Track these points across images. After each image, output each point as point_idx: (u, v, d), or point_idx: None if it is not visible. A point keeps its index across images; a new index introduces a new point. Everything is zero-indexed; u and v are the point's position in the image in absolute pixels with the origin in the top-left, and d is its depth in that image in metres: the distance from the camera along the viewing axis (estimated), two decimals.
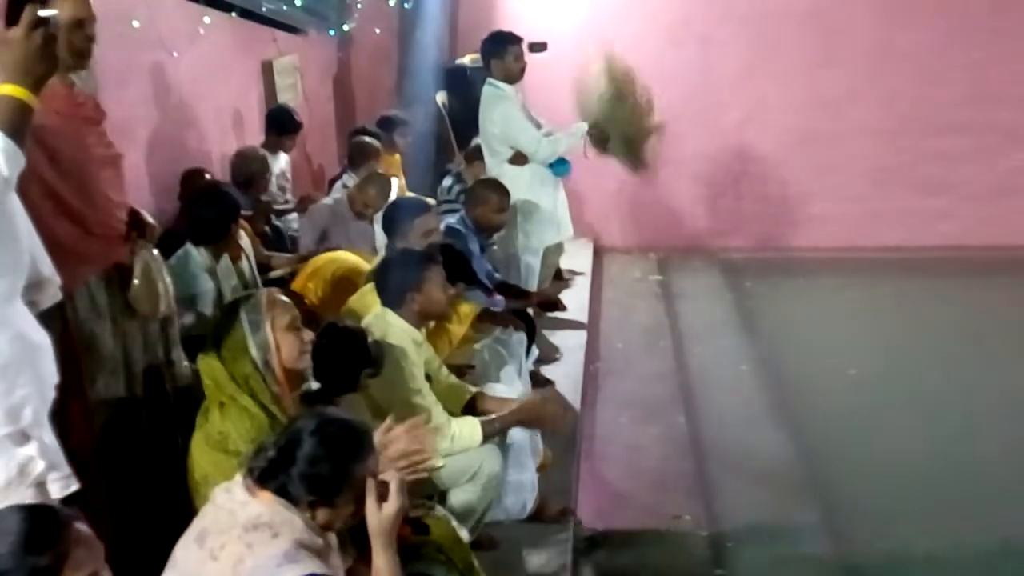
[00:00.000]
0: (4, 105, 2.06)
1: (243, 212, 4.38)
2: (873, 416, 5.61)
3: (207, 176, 4.92)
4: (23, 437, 2.18)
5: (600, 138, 5.93)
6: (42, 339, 2.29)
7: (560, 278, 7.12)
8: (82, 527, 1.75)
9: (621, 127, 5.85)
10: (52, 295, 2.42)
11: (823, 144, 8.80)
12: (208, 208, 4.00)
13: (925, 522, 4.51)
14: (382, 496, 2.10)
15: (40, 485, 2.20)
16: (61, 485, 2.24)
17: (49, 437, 2.25)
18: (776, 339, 6.90)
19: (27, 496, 2.16)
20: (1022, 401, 5.76)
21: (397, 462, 2.30)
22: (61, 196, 2.75)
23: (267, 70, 6.46)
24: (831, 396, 5.90)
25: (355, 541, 2.23)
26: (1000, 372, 6.24)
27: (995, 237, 8.67)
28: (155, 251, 3.17)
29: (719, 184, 8.97)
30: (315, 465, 2.08)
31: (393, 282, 3.52)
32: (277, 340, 2.71)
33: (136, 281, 3.03)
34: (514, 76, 5.85)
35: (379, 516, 2.09)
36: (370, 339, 3.22)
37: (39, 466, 2.19)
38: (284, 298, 2.84)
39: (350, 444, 2.14)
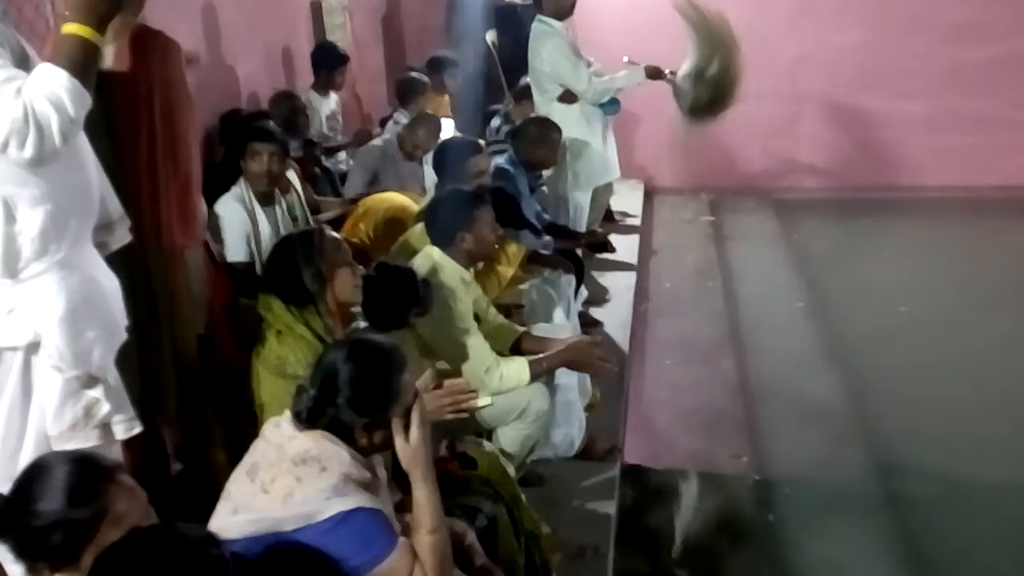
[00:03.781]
0: (70, 45, 2.06)
1: (292, 154, 4.40)
2: (925, 357, 5.55)
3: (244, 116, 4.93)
4: (90, 380, 2.23)
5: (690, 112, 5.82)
6: (111, 282, 2.34)
7: (610, 219, 7.08)
8: (125, 479, 1.76)
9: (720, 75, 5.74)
10: (121, 236, 2.44)
11: (881, 82, 8.55)
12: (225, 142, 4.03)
13: (974, 462, 4.49)
14: (406, 428, 2.12)
15: (105, 427, 2.26)
16: (125, 427, 2.31)
17: (115, 379, 2.30)
18: (828, 280, 6.82)
19: (92, 437, 2.23)
20: None
21: (442, 399, 2.33)
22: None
23: (316, 10, 6.43)
24: (883, 338, 5.83)
25: (400, 476, 2.26)
26: None
27: None
28: None
29: (773, 124, 8.77)
30: (359, 386, 2.09)
31: (443, 222, 3.53)
32: (331, 273, 2.82)
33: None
34: (564, 12, 5.75)
35: (407, 449, 2.11)
36: (419, 278, 3.24)
37: (104, 408, 2.25)
38: (336, 234, 2.95)
39: (385, 358, 2.15)
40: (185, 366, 2.88)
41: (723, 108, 5.88)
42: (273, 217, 3.80)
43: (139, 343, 2.70)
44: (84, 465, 1.76)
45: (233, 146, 3.90)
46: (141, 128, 2.64)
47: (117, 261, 2.45)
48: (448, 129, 5.98)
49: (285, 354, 2.75)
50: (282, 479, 2.02)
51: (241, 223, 3.72)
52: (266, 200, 3.82)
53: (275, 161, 3.81)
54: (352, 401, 2.09)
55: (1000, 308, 6.26)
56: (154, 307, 2.79)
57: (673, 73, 5.81)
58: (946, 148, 8.56)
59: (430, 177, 5.10)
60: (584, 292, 5.16)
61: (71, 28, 2.07)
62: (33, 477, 1.73)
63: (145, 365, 2.78)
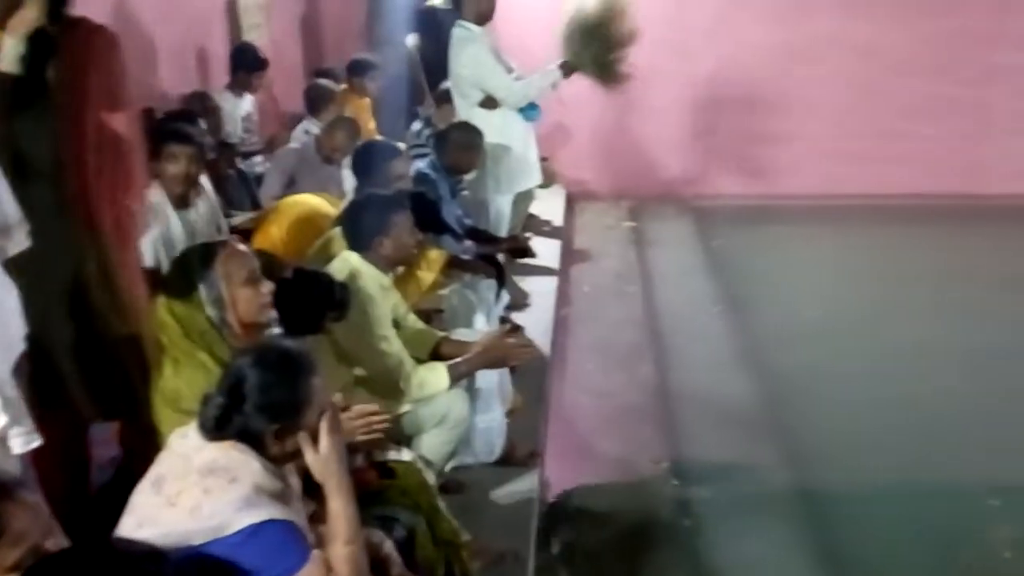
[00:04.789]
0: None
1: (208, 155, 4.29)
2: (839, 360, 5.67)
3: (157, 117, 4.80)
4: None
5: (574, 63, 5.79)
6: (9, 289, 2.23)
7: (531, 225, 7.08)
8: (24, 495, 1.69)
9: (595, 46, 5.72)
10: (19, 242, 2.32)
11: (797, 92, 8.77)
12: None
13: (887, 462, 4.60)
14: (316, 439, 2.07)
15: (1, 440, 2.16)
16: (23, 440, 2.20)
17: (11, 391, 2.20)
18: (745, 286, 6.94)
19: None
20: (984, 347, 5.83)
21: (355, 422, 2.28)
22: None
23: (232, 9, 6.31)
24: (798, 341, 5.94)
25: (316, 485, 2.20)
26: (964, 319, 6.31)
27: (968, 185, 8.70)
28: None
29: (693, 132, 8.94)
30: (267, 391, 2.04)
31: (361, 226, 3.47)
32: (233, 295, 2.60)
33: None
34: (484, 16, 5.73)
35: (318, 460, 2.05)
36: (336, 282, 3.18)
37: (1, 421, 2.15)
38: (242, 248, 2.73)
39: (293, 361, 2.10)
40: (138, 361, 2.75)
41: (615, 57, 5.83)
42: (187, 221, 3.69)
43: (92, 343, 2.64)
44: None
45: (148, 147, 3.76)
46: (86, 122, 2.57)
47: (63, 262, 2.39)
48: (367, 133, 5.93)
49: (180, 387, 2.55)
50: (189, 491, 1.95)
51: (152, 227, 3.60)
52: (181, 203, 3.70)
53: (192, 164, 3.71)
54: (261, 407, 2.03)
55: (911, 312, 6.44)
56: (101, 304, 2.69)
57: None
58: (858, 156, 8.81)
59: (348, 181, 5.04)
60: (505, 297, 5.15)
61: None
62: None
63: (100, 365, 2.69)
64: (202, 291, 2.59)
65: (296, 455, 2.08)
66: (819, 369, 5.55)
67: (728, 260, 7.50)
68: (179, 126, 3.91)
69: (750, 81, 8.74)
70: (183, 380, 2.56)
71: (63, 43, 2.24)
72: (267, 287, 2.67)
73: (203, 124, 4.86)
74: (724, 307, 6.48)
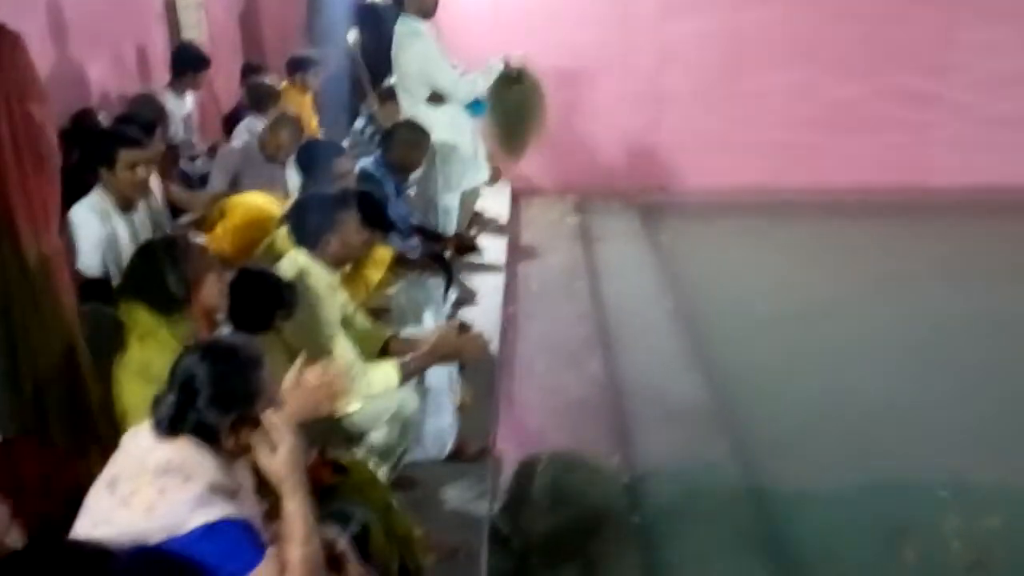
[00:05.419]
0: None
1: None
2: (786, 355, 5.75)
3: (98, 117, 4.72)
4: None
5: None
6: None
7: (477, 222, 7.09)
8: None
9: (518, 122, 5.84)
10: None
11: (739, 86, 8.85)
12: (75, 152, 3.83)
13: (834, 457, 4.67)
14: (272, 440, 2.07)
15: None
16: None
17: None
18: (692, 281, 7.00)
19: None
20: (931, 340, 5.96)
21: (312, 393, 2.29)
22: None
23: (170, 8, 6.23)
24: (746, 337, 6.02)
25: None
26: (911, 312, 6.42)
27: (914, 178, 8.84)
28: None
29: (637, 126, 8.99)
30: (220, 383, 2.05)
31: (307, 225, 3.47)
32: (197, 280, 2.76)
33: None
34: (429, 11, 5.73)
35: (273, 461, 2.06)
36: (284, 281, 3.17)
37: None
38: (199, 239, 2.92)
39: (241, 353, 2.12)
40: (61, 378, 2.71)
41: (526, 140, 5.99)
42: (132, 224, 3.64)
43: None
44: None
45: (92, 151, 3.68)
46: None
47: None
48: (309, 131, 5.89)
49: (149, 357, 2.66)
50: (144, 491, 1.95)
51: (97, 233, 3.53)
52: (126, 206, 3.65)
53: (146, 169, 3.67)
54: (215, 399, 2.03)
55: (859, 306, 6.53)
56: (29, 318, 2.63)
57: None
58: (804, 150, 8.91)
59: (292, 179, 5.00)
60: (453, 294, 5.16)
61: None
62: None
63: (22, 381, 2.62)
64: (168, 274, 2.73)
65: (240, 454, 2.09)
66: (768, 363, 5.62)
67: (676, 255, 7.56)
68: (129, 131, 3.84)
69: (694, 75, 8.81)
70: (151, 351, 2.68)
71: None
72: (225, 275, 2.88)
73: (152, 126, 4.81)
74: (672, 302, 6.53)
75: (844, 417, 5.03)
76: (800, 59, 8.79)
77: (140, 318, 2.74)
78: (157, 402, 2.08)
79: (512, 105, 5.88)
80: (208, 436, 2.03)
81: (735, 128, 8.92)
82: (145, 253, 2.89)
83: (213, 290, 2.81)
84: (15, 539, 1.68)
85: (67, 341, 2.70)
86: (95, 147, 3.67)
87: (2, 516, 1.68)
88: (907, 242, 7.85)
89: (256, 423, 2.06)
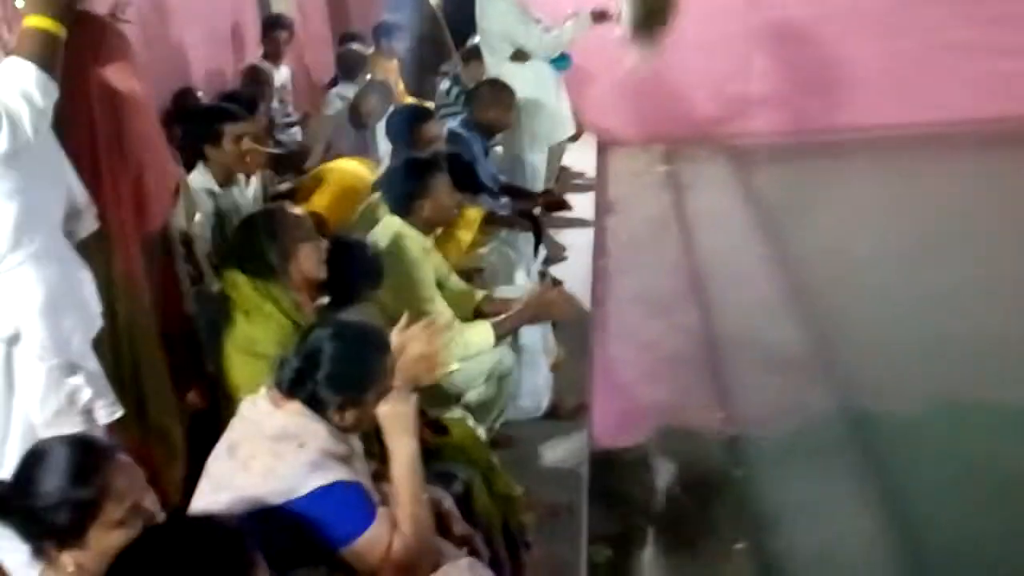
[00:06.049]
0: (33, 37, 2.09)
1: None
2: (887, 297, 5.62)
3: (198, 96, 4.87)
4: (71, 367, 2.26)
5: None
6: (83, 270, 2.35)
7: (564, 176, 7.09)
8: (123, 457, 1.80)
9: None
10: (89, 225, 2.44)
11: (834, 21, 8.57)
12: (177, 131, 3.94)
13: (940, 399, 4.53)
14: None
15: (87, 412, 2.29)
16: (107, 411, 2.33)
17: (94, 365, 2.32)
18: (786, 225, 6.88)
19: (76, 423, 2.25)
20: None
21: (416, 364, 2.36)
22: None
23: None
24: (844, 280, 5.89)
25: (379, 445, 2.29)
26: (1013, 250, 6.19)
27: (1012, 107, 8.42)
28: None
29: (724, 70, 8.80)
30: (339, 365, 2.13)
31: (399, 191, 3.55)
32: (295, 251, 2.84)
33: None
34: None
35: (387, 418, 2.16)
36: (371, 251, 3.25)
37: (87, 394, 2.28)
38: (297, 210, 2.96)
39: (368, 341, 2.21)
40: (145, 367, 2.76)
41: (666, 19, 5.82)
42: (231, 198, 3.76)
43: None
44: (83, 446, 1.80)
45: (196, 128, 3.78)
46: (80, 116, 2.55)
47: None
48: (397, 95, 5.96)
49: (254, 333, 2.76)
50: (262, 456, 2.06)
51: (204, 209, 3.66)
52: (226, 182, 3.77)
53: (252, 142, 3.77)
54: (331, 378, 2.12)
55: (960, 244, 6.28)
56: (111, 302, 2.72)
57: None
58: (899, 85, 8.62)
59: (383, 145, 5.09)
60: (543, 251, 5.20)
61: (32, 21, 2.10)
62: (33, 461, 1.78)
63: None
64: (267, 248, 2.82)
65: (353, 428, 2.18)
66: (869, 306, 5.51)
67: (767, 200, 7.42)
68: (232, 107, 3.92)
69: (783, 12, 8.58)
70: (257, 328, 2.79)
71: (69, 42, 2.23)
72: (323, 244, 2.93)
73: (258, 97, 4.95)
74: (766, 248, 6.43)
75: (949, 358, 4.88)
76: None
77: (244, 292, 2.83)
78: (282, 364, 2.18)
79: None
80: (318, 409, 2.12)
81: (828, 65, 8.66)
82: (245, 226, 2.99)
83: (312, 260, 2.88)
84: (152, 501, 1.81)
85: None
86: (199, 124, 3.76)
87: (139, 478, 1.80)
88: (1009, 174, 7.54)
89: (364, 407, 2.15)
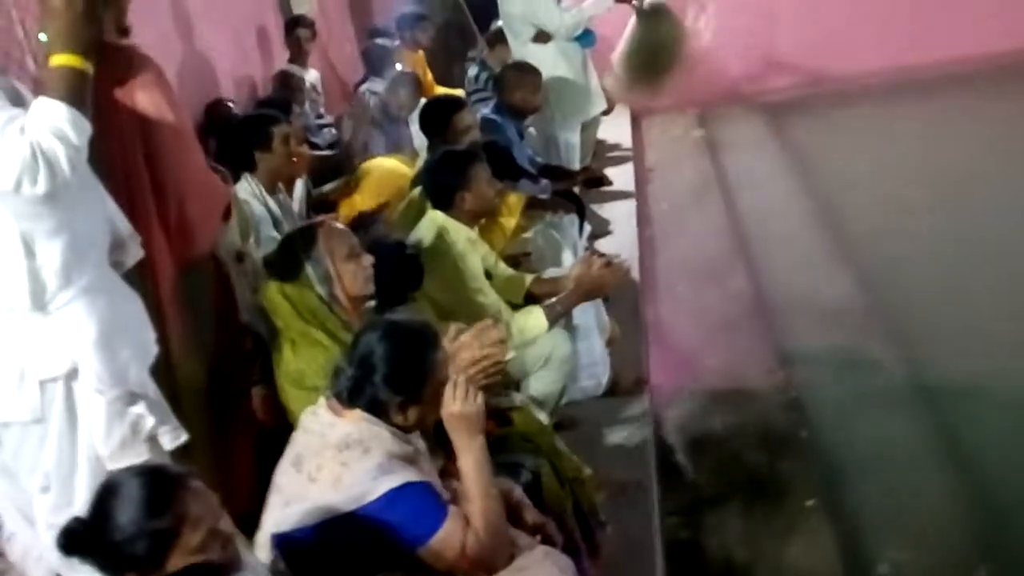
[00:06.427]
0: (61, 75, 2.09)
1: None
2: (937, 243, 5.51)
3: (230, 106, 4.91)
4: (132, 397, 2.29)
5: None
6: (134, 299, 2.38)
7: (600, 151, 7.05)
8: (196, 483, 1.81)
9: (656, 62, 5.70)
10: (135, 254, 2.47)
11: None
12: (225, 138, 3.95)
13: (994, 346, 4.47)
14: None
15: (152, 439, 2.33)
16: (171, 437, 2.36)
17: (154, 392, 2.36)
18: (829, 178, 6.78)
19: (142, 451, 2.29)
20: None
21: (468, 370, 2.35)
22: None
23: None
24: (893, 229, 5.78)
25: (442, 442, 2.30)
26: None
27: None
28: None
29: (749, 27, 8.67)
30: (395, 364, 2.14)
31: (440, 185, 3.54)
32: (339, 270, 2.74)
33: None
34: None
35: (453, 417, 2.16)
36: (409, 251, 3.24)
37: (149, 422, 2.31)
38: (340, 226, 2.87)
39: (420, 337, 2.21)
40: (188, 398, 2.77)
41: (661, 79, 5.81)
42: (278, 204, 3.79)
43: None
44: (155, 475, 1.81)
45: (244, 138, 3.77)
46: (113, 148, 2.58)
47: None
48: (425, 86, 5.97)
49: (302, 367, 2.71)
50: (328, 466, 2.07)
51: (259, 216, 3.64)
52: (273, 188, 3.79)
53: (298, 142, 3.78)
54: (388, 378, 2.13)
55: (1010, 183, 6.10)
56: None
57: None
58: (927, 23, 8.42)
59: (417, 137, 5.09)
60: (587, 228, 5.18)
61: (60, 59, 2.10)
62: (107, 495, 1.78)
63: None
64: (309, 270, 2.73)
65: (417, 425, 2.19)
66: (920, 254, 5.39)
67: (807, 154, 7.31)
68: (272, 111, 3.94)
69: None
70: (303, 360, 2.72)
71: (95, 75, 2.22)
72: (367, 260, 2.80)
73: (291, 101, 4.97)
74: (811, 203, 6.34)
75: (1006, 303, 4.78)
76: None
77: (289, 321, 2.74)
78: (337, 373, 2.20)
79: (652, 46, 5.77)
80: (379, 412, 2.14)
81: (846, 12, 8.49)
82: (285, 246, 2.86)
83: (358, 279, 2.76)
84: (228, 523, 1.82)
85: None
86: (247, 131, 3.77)
87: (213, 502, 1.82)
88: None
89: (425, 403, 2.16)
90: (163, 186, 2.64)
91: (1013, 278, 4.98)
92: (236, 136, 3.81)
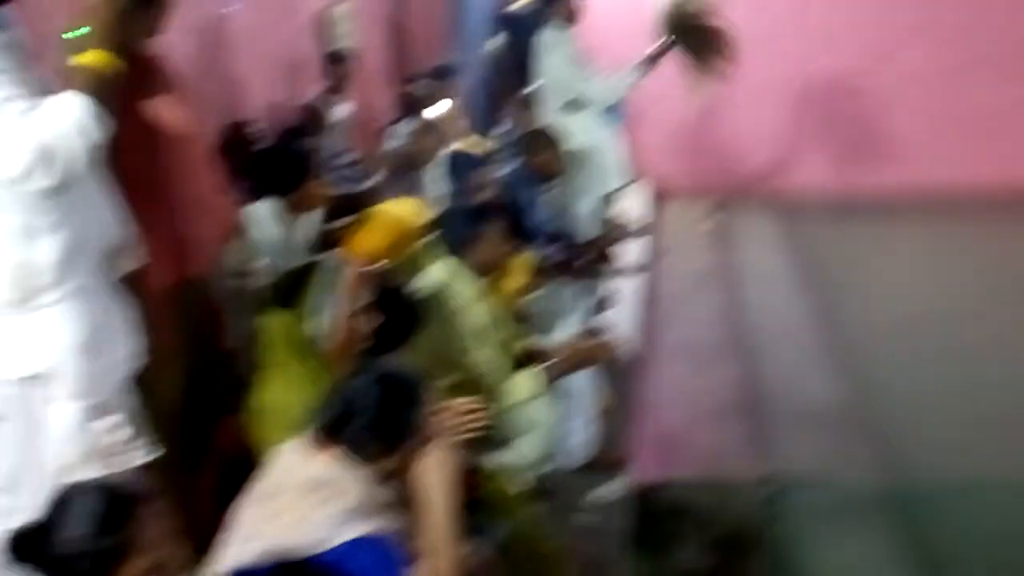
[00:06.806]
0: (87, 72, 2.10)
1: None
2: (933, 358, 5.53)
3: (256, 129, 4.93)
4: (106, 407, 2.25)
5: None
6: (121, 308, 2.34)
7: (615, 225, 7.08)
8: (155, 505, 1.77)
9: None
10: (131, 262, 2.45)
11: (887, 82, 8.55)
12: (281, 162, 3.97)
13: (984, 461, 4.49)
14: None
15: (123, 453, 2.28)
16: (143, 452, 2.32)
17: (129, 405, 2.32)
18: (833, 282, 6.81)
19: (112, 464, 2.24)
20: None
21: (450, 423, 2.34)
22: None
23: (324, 19, 6.45)
24: (889, 338, 5.84)
25: (413, 495, 2.27)
26: None
27: None
28: None
29: (776, 126, 8.81)
30: (382, 412, 2.12)
31: (453, 235, 3.58)
32: (347, 319, 2.76)
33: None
34: (573, 18, 5.81)
35: (429, 459, 2.13)
36: (412, 298, 3.24)
37: (120, 435, 2.27)
38: (367, 272, 2.89)
39: (412, 390, 2.19)
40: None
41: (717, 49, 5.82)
42: (294, 230, 3.80)
43: None
44: (114, 492, 1.77)
45: (293, 169, 3.81)
46: (123, 154, 2.50)
47: None
48: (455, 136, 6.01)
49: (284, 398, 2.70)
50: (295, 505, 2.03)
51: (272, 236, 3.64)
52: (295, 216, 3.80)
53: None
54: (370, 426, 2.11)
55: (1009, 311, 6.22)
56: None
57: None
58: (950, 145, 8.55)
59: (432, 186, 5.12)
60: (593, 299, 5.18)
61: (90, 57, 2.11)
62: (61, 505, 1.74)
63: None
64: (316, 306, 2.73)
65: (390, 476, 2.16)
66: (913, 365, 5.43)
67: (815, 256, 7.36)
68: (312, 157, 3.98)
69: (836, 72, 8.58)
70: (286, 391, 2.72)
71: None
72: (374, 319, 2.82)
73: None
74: (812, 304, 6.39)
75: (994, 418, 4.84)
76: (949, 53, 8.43)
77: (281, 350, 2.74)
78: (322, 407, 2.17)
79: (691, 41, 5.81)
80: (358, 454, 2.11)
81: (878, 125, 8.62)
82: (304, 273, 2.88)
83: (359, 333, 2.80)
84: (180, 553, 1.78)
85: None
86: (298, 162, 3.82)
87: (169, 529, 1.76)
88: None
89: (403, 456, 2.13)
90: (167, 199, 2.63)
91: (996, 406, 5.01)
92: (273, 161, 3.86)
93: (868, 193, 8.57)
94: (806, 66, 8.60)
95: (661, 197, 8.72)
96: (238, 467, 2.58)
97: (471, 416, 2.42)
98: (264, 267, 3.48)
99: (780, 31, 8.49)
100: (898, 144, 8.64)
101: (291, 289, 2.80)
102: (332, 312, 2.75)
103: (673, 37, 5.74)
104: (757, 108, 8.65)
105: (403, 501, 2.26)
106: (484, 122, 7.12)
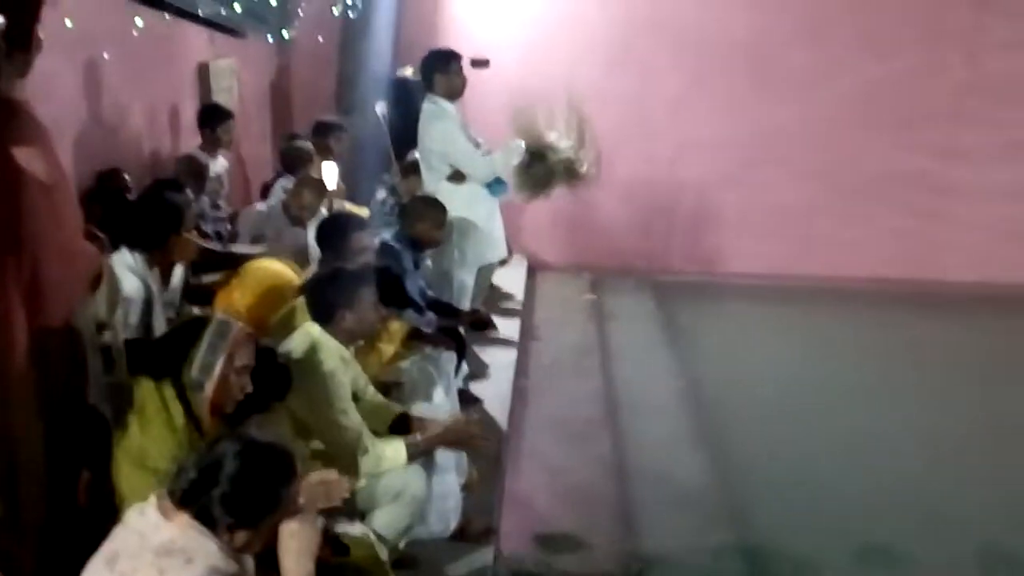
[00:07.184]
0: None
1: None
2: (795, 442, 5.72)
3: (126, 177, 4.80)
4: None
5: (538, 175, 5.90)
6: None
7: (492, 296, 7.12)
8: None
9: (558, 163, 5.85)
10: None
11: (754, 174, 8.99)
12: (152, 213, 3.86)
13: (841, 545, 4.62)
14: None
15: None
16: None
17: None
18: (704, 363, 7.01)
19: None
20: (940, 431, 5.95)
21: (318, 487, 2.27)
22: None
23: (203, 72, 6.36)
24: (756, 422, 6.01)
25: (271, 563, 2.19)
26: (920, 403, 6.42)
27: (920, 270, 8.97)
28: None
29: (653, 208, 9.13)
30: (238, 488, 2.04)
31: (324, 299, 3.50)
32: (226, 376, 2.66)
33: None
34: (456, 92, 5.87)
35: (288, 527, 2.08)
36: (281, 360, 3.17)
37: None
38: (249, 339, 2.79)
39: (275, 468, 2.11)
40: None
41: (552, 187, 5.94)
42: (156, 283, 3.69)
43: None
44: None
45: (167, 218, 3.74)
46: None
47: None
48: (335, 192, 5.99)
49: (146, 446, 2.59)
50: (144, 571, 1.95)
51: (132, 291, 3.53)
52: (151, 265, 3.69)
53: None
54: (226, 499, 2.03)
55: (867, 395, 6.52)
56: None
57: None
58: (816, 239, 9.03)
59: (313, 245, 5.05)
60: (465, 368, 5.17)
61: None
62: None
63: None
64: (201, 355, 2.64)
65: (243, 549, 2.08)
66: (778, 450, 5.59)
67: (688, 337, 7.57)
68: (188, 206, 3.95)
69: (708, 162, 9.00)
70: (149, 439, 2.60)
71: None
72: (248, 383, 2.73)
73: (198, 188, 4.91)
74: (683, 384, 6.53)
75: (856, 507, 4.98)
76: (812, 152, 8.99)
77: (148, 396, 2.65)
78: (179, 471, 2.08)
79: (537, 181, 5.90)
80: (209, 524, 2.03)
81: (749, 215, 9.04)
82: (190, 327, 2.77)
83: (235, 391, 2.70)
84: None
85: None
86: (170, 215, 3.75)
87: None
88: (919, 334, 7.85)
89: (259, 531, 2.06)
90: (22, 244, 2.50)
91: (859, 483, 5.22)
92: (140, 211, 3.79)
93: (738, 279, 9.01)
94: (679, 156, 9.00)
95: (539, 271, 8.85)
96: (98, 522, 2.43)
97: (331, 488, 2.38)
98: (124, 320, 3.36)
99: (656, 122, 8.85)
100: (768, 234, 9.10)
101: (167, 350, 2.70)
102: (210, 372, 2.65)
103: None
104: (632, 190, 8.93)
105: (265, 571, 2.19)
106: (368, 184, 7.10)
